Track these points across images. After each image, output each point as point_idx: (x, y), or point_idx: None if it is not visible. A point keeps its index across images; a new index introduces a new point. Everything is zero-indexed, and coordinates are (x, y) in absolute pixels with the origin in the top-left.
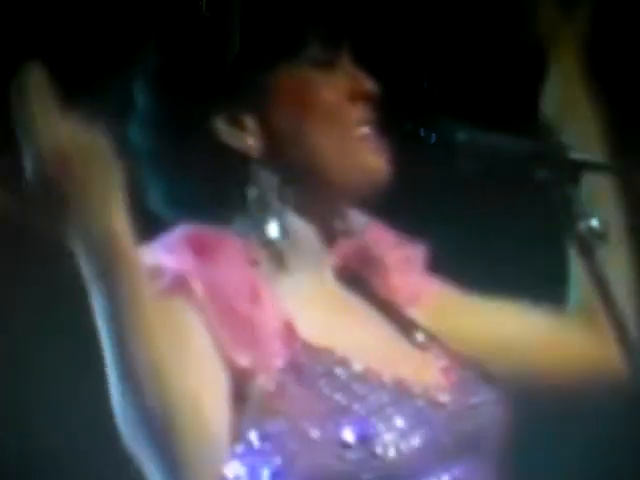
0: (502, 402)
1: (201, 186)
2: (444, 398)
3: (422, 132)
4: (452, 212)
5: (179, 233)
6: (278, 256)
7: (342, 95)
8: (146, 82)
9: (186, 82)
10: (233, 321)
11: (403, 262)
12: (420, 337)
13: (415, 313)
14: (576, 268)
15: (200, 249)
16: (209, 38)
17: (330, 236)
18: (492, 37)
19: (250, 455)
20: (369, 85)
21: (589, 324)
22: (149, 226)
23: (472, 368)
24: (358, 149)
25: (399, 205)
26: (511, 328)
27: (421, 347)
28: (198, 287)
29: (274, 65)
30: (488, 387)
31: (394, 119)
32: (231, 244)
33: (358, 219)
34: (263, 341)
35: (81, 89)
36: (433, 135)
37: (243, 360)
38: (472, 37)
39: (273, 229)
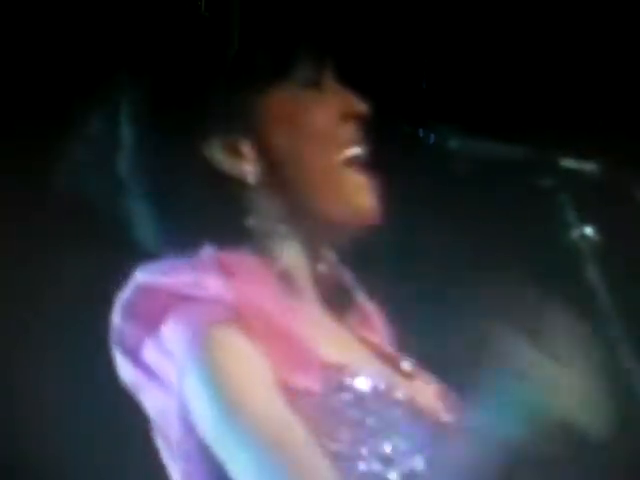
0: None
1: (197, 216)
2: (447, 418)
3: (421, 133)
4: (445, 217)
5: (211, 257)
6: (287, 278)
7: (332, 116)
8: (132, 112)
9: (176, 109)
10: (285, 346)
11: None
12: (406, 366)
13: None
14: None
15: (235, 272)
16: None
17: (315, 259)
18: (490, 39)
19: None
20: (358, 105)
21: None
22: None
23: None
24: (347, 183)
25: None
26: None
27: (409, 376)
28: (251, 318)
29: (265, 88)
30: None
31: (393, 120)
32: (254, 263)
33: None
34: (312, 360)
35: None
36: (432, 136)
37: (301, 382)
38: (471, 38)
39: (278, 253)
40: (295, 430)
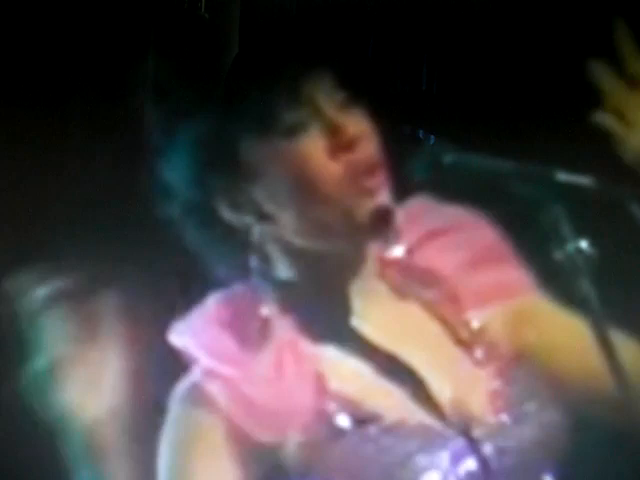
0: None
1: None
2: (479, 433)
3: (421, 134)
4: None
5: (211, 309)
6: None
7: (325, 151)
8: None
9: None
10: (254, 412)
11: (467, 256)
12: (479, 353)
13: (489, 315)
14: None
15: (235, 321)
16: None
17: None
18: (489, 45)
19: None
20: (350, 129)
21: None
22: None
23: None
24: (363, 191)
25: None
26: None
27: (478, 364)
28: (218, 388)
29: (255, 139)
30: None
31: (393, 121)
32: (258, 307)
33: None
34: (287, 419)
35: None
36: (432, 137)
37: (265, 438)
38: (471, 39)
39: (290, 296)
40: None
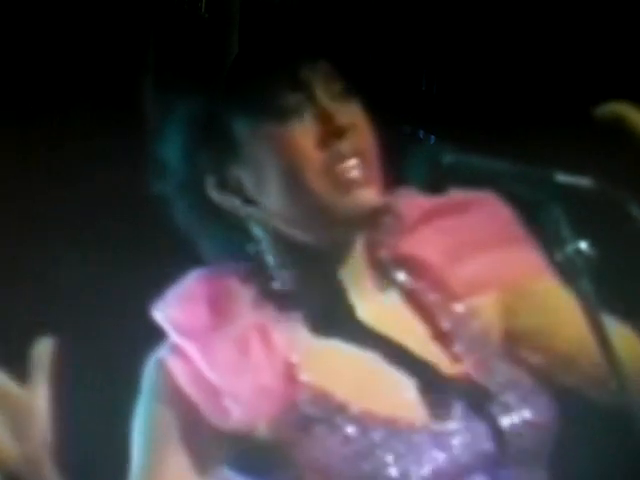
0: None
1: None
2: (453, 426)
3: (421, 134)
4: None
5: (190, 283)
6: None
7: (314, 141)
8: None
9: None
10: (216, 392)
11: (454, 245)
12: (459, 347)
13: (481, 301)
14: None
15: (212, 300)
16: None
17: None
18: (493, 41)
19: None
20: (341, 118)
21: None
22: None
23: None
24: (346, 185)
25: None
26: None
27: (456, 359)
28: (180, 367)
29: (249, 122)
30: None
31: (393, 121)
32: (239, 289)
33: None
34: (251, 401)
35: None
36: (432, 137)
37: (229, 425)
38: (471, 39)
39: (279, 281)
40: None
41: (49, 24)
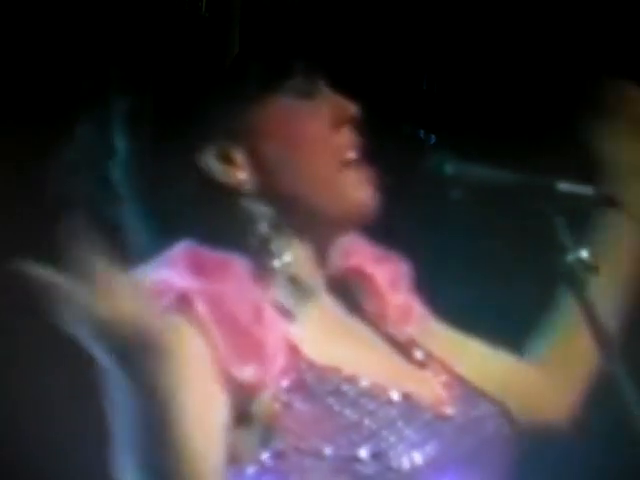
0: (503, 416)
1: (192, 225)
2: (450, 411)
3: (421, 134)
4: (438, 240)
5: (181, 250)
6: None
7: (325, 123)
8: (127, 117)
9: (169, 116)
10: (236, 337)
11: (392, 278)
12: (419, 354)
13: (409, 331)
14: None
15: (203, 266)
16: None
17: (323, 259)
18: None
19: (263, 475)
20: (351, 109)
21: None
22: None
23: (469, 385)
24: (343, 181)
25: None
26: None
27: (420, 364)
28: (200, 305)
29: (258, 98)
30: (487, 402)
31: (393, 121)
32: (234, 263)
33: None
34: (266, 355)
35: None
36: (432, 137)
37: (246, 374)
38: (472, 39)
39: (276, 259)
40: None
41: (48, 23)
